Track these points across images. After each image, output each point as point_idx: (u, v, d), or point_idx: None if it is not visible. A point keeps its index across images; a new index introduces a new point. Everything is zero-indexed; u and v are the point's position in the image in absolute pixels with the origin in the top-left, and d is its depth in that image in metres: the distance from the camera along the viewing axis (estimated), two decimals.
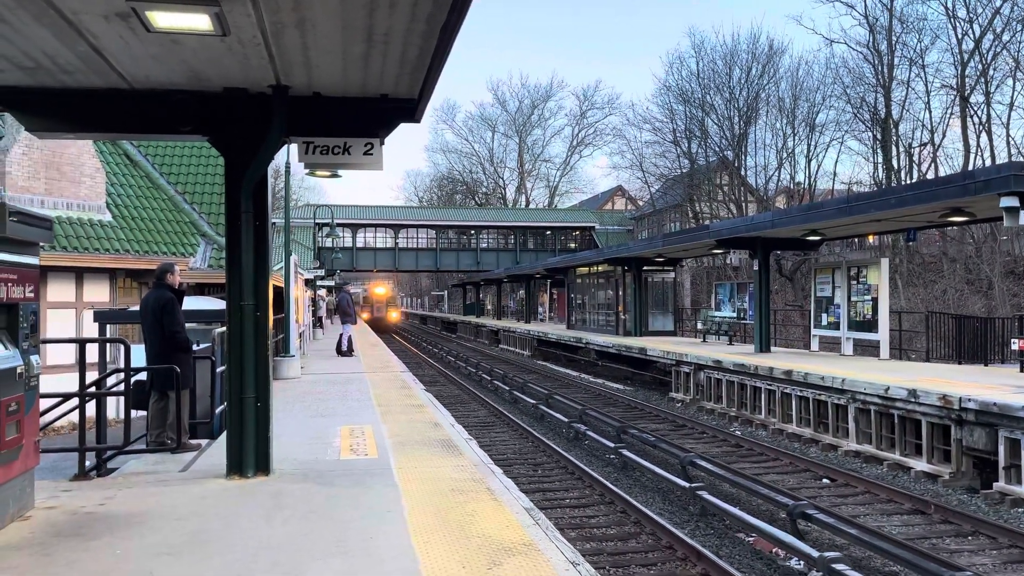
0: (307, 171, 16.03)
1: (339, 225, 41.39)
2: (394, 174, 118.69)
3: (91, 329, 16.81)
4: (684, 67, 72.32)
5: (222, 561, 4.88)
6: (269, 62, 6.24)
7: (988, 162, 35.29)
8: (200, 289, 19.93)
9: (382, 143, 7.46)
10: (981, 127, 36.60)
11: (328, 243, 43.98)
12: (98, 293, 18.70)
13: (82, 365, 7.56)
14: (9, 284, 5.59)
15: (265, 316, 7.19)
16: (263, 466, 7.18)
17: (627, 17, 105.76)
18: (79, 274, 17.96)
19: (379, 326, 58.82)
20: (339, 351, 21.98)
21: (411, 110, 7.42)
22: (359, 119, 7.34)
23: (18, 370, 5.64)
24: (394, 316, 72.29)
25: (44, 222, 6.04)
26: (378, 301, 71.73)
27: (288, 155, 18.88)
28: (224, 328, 10.67)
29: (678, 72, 70.30)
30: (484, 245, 60.11)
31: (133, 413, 8.32)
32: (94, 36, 5.62)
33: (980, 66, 36.19)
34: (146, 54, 6.02)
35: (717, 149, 49.58)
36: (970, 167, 35.31)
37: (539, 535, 5.36)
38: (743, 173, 48.60)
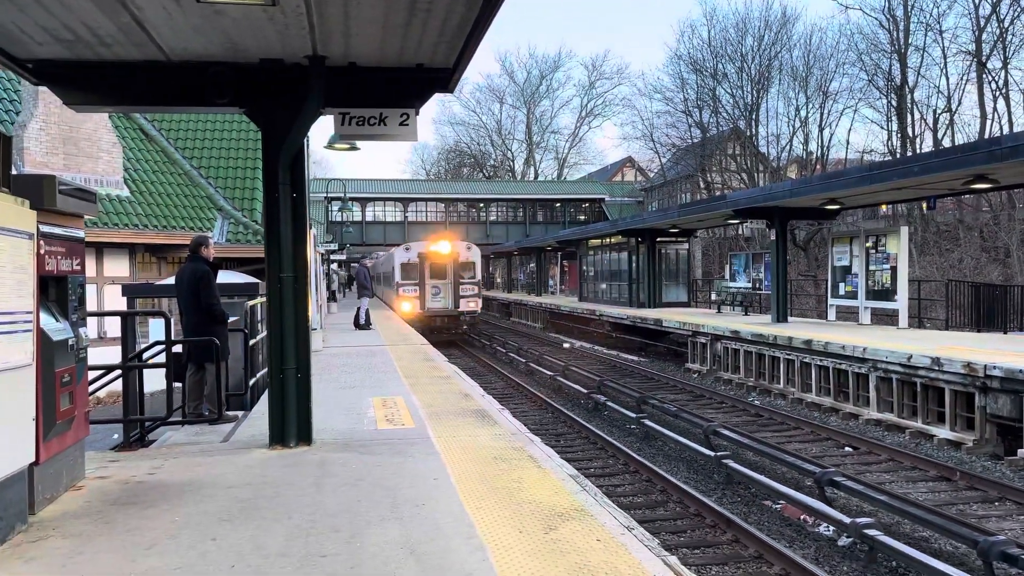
0: (325, 145, 15.91)
1: (350, 199, 41.34)
2: (401, 147, 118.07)
3: (113, 303, 16.93)
4: (696, 35, 71.62)
5: (283, 527, 4.97)
6: (308, 32, 6.22)
7: (1005, 128, 34.96)
8: (219, 263, 20.00)
9: (417, 113, 7.45)
10: (998, 92, 36.25)
11: (339, 217, 43.99)
12: (118, 268, 18.80)
13: (125, 338, 7.63)
14: (58, 257, 5.63)
15: (304, 287, 7.24)
16: (305, 436, 7.27)
17: None
18: (99, 249, 18.03)
19: (443, 335, 29.42)
20: (356, 324, 22.07)
21: (445, 80, 7.40)
22: (393, 89, 7.32)
23: (69, 342, 5.70)
24: (471, 309, 31.59)
25: (89, 195, 6.06)
26: (441, 276, 30.98)
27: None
28: (254, 301, 10.74)
29: (689, 41, 69.66)
30: (493, 218, 59.94)
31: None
32: (137, 7, 5.60)
33: (998, 31, 35.74)
34: (187, 25, 6.00)
35: (729, 119, 49.21)
36: (986, 134, 34.98)
37: (588, 501, 5.43)
38: (755, 143, 48.26)
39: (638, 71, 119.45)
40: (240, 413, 9.24)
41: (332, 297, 35.54)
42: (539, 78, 78.13)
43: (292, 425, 7.20)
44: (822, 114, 45.40)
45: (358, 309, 22.52)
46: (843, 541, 7.93)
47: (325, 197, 46.84)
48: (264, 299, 8.41)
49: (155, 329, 13.13)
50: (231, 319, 9.16)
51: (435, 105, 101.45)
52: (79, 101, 7.24)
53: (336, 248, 37.20)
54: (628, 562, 4.33)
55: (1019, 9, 34.70)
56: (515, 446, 7.15)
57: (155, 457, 7.03)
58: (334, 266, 42.66)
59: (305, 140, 7.48)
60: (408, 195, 59.31)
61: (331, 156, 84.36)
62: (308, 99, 6.86)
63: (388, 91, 7.26)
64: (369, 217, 57.62)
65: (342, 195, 35.08)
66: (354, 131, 7.32)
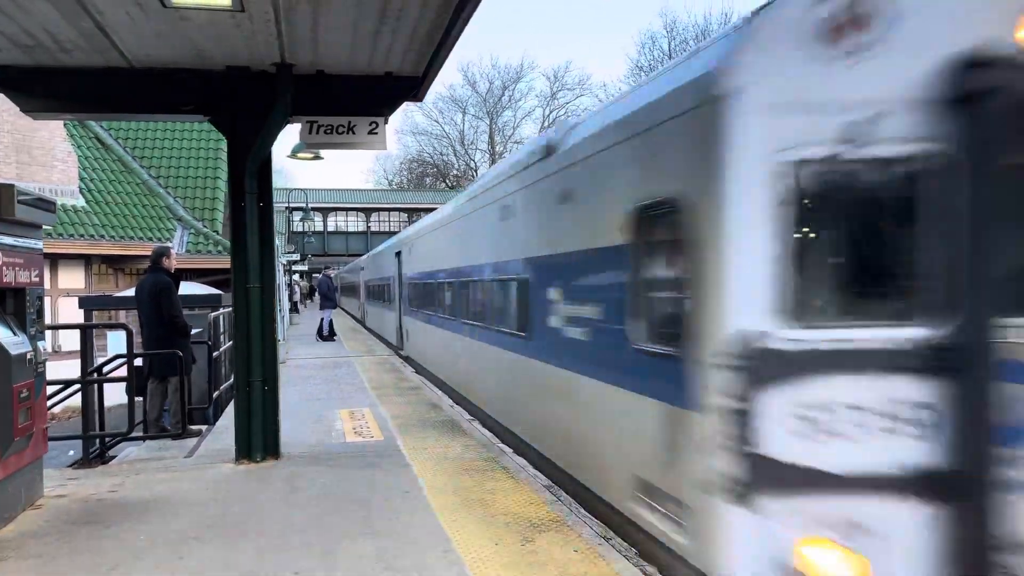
0: (289, 154, 15.73)
1: (312, 209, 40.90)
2: (363, 157, 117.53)
3: (68, 316, 16.49)
4: (656, 47, 72.30)
5: (252, 544, 4.84)
6: (276, 39, 6.13)
7: None
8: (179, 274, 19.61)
9: (386, 122, 7.39)
10: None
11: (300, 228, 43.44)
12: (73, 280, 18.33)
13: (84, 351, 7.40)
14: (16, 268, 5.45)
15: (271, 299, 7.11)
16: (272, 450, 7.13)
17: None
18: (53, 261, 17.56)
19: None
20: (320, 335, 21.80)
21: (415, 89, 7.35)
22: (362, 98, 7.25)
23: (27, 356, 5.50)
24: None
25: (49, 204, 5.89)
26: None
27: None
28: (217, 313, 10.54)
29: (650, 52, 70.04)
30: None
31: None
32: (100, 12, 5.47)
33: None
34: (151, 31, 5.87)
35: None
36: None
37: (564, 511, 5.39)
38: None
39: (600, 82, 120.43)
40: (204, 427, 9.03)
41: (294, 308, 35.09)
42: (501, 88, 78.29)
43: (259, 438, 7.05)
44: None
45: (321, 320, 22.25)
46: None
47: (286, 207, 46.25)
48: (227, 310, 8.25)
49: (114, 342, 12.81)
50: (194, 331, 8.97)
51: (398, 115, 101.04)
52: (38, 108, 7.03)
53: (298, 259, 36.74)
54: (607, 572, 4.30)
55: None
56: (487, 457, 7.09)
57: (116, 474, 6.82)
58: (296, 277, 42.13)
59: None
60: (371, 205, 59.03)
61: (293, 165, 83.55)
62: (275, 107, 6.75)
63: (357, 99, 7.19)
64: (331, 227, 57.19)
65: (304, 205, 34.64)
66: (322, 140, 7.23)
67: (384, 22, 5.83)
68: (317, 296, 25.50)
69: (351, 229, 58.01)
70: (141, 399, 8.39)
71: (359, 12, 5.61)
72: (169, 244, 16.93)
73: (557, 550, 4.65)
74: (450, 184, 77.08)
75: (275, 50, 6.40)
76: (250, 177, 6.93)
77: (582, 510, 5.50)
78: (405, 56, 6.67)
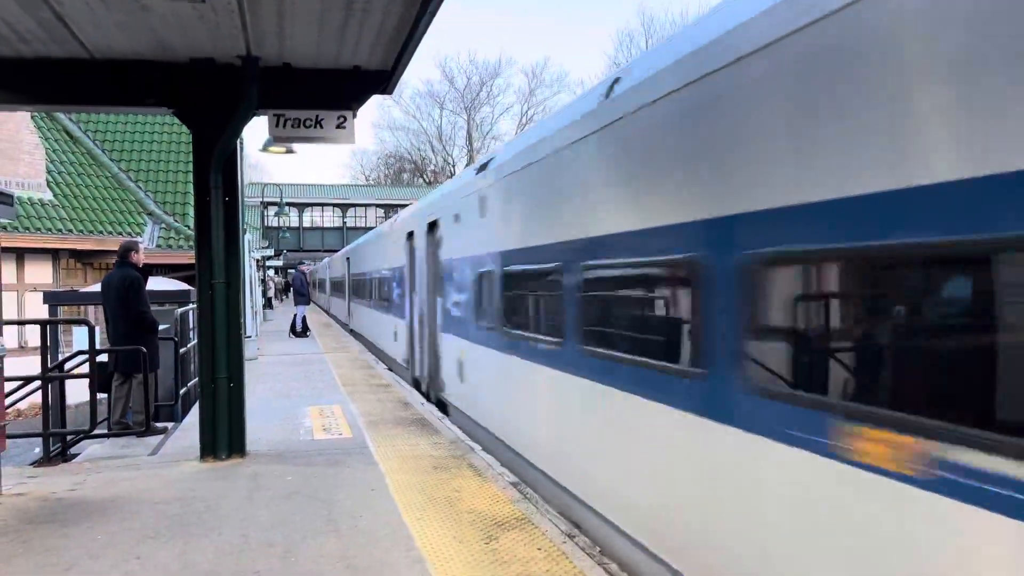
0: (261, 148, 15.58)
1: (287, 204, 40.56)
2: (340, 152, 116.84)
3: (35, 312, 16.20)
4: (633, 45, 72.56)
5: (212, 543, 4.77)
6: (241, 31, 6.03)
7: None
8: (148, 269, 19.34)
9: (354, 115, 7.31)
10: None
11: (275, 223, 43.11)
12: (41, 275, 18.01)
13: (45, 347, 7.27)
14: None
15: (237, 295, 7.02)
16: (238, 448, 7.04)
17: None
18: (20, 255, 17.26)
19: None
20: (293, 331, 21.63)
21: (384, 82, 7.28)
22: (330, 91, 7.16)
23: None
24: None
25: (6, 198, 5.76)
26: None
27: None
28: (184, 309, 10.41)
29: (628, 50, 70.48)
30: None
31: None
32: (58, 2, 5.35)
33: None
34: (111, 21, 5.76)
35: None
36: None
37: (530, 509, 5.37)
38: None
39: (578, 79, 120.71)
40: (169, 425, 8.92)
41: (268, 304, 34.82)
42: (479, 84, 78.17)
43: (224, 436, 6.96)
44: None
45: (295, 316, 22.07)
46: None
47: (261, 202, 45.88)
48: (195, 306, 8.13)
49: (81, 338, 12.60)
50: (161, 327, 8.84)
51: (375, 110, 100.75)
52: None
53: (272, 254, 36.46)
54: (570, 571, 4.29)
55: None
56: (455, 455, 7.05)
57: (77, 472, 6.71)
58: (270, 272, 41.79)
59: (239, 142, 7.26)
60: (347, 200, 58.65)
61: (268, 160, 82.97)
62: (241, 100, 6.66)
63: (325, 93, 7.10)
64: (307, 223, 56.77)
65: (278, 200, 34.34)
66: (289, 133, 7.14)
67: (352, 14, 5.76)
68: (292, 292, 25.31)
69: (327, 225, 57.63)
70: (105, 396, 8.26)
71: (325, 4, 5.54)
72: (138, 239, 16.73)
73: (521, 548, 4.63)
74: (427, 180, 76.82)
75: (240, 42, 6.30)
76: (215, 172, 6.84)
77: (548, 508, 5.48)
78: (373, 50, 6.60)
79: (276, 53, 6.60)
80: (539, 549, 4.61)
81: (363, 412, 9.33)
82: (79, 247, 18.37)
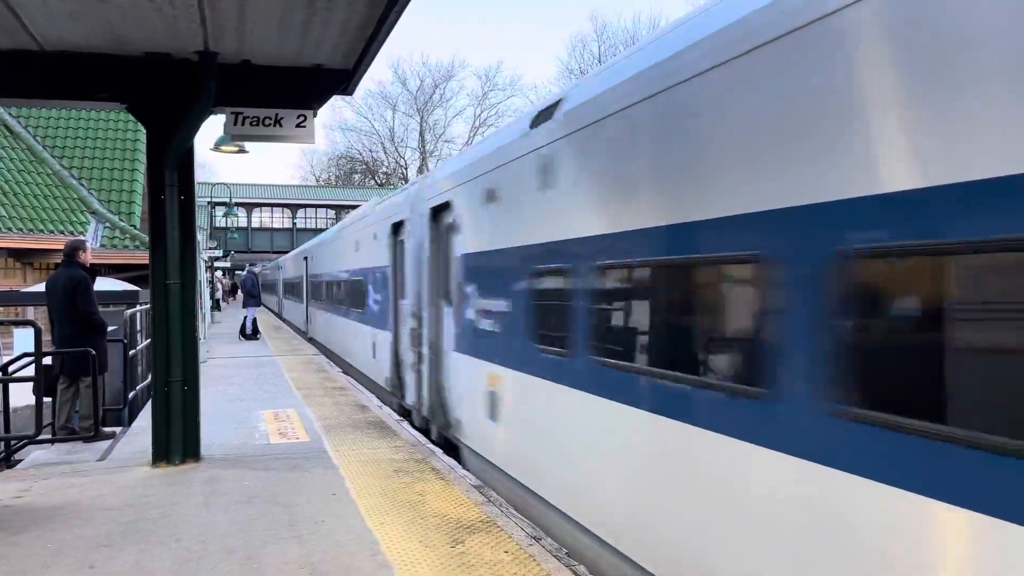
0: (212, 147, 15.32)
1: (236, 204, 39.78)
2: (290, 152, 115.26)
3: None
4: (586, 50, 73.13)
5: (170, 551, 4.64)
6: (200, 26, 5.90)
7: None
8: (95, 270, 18.76)
9: (315, 115, 7.22)
10: None
11: (223, 223, 42.22)
12: None
13: None
14: None
15: (192, 295, 6.85)
16: (192, 452, 6.87)
17: None
18: None
19: None
20: (243, 334, 21.22)
21: (345, 82, 7.20)
22: (290, 90, 7.06)
23: None
24: None
25: None
26: None
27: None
28: (134, 310, 10.13)
29: (580, 55, 70.98)
30: None
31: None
32: None
33: None
34: (64, 12, 5.58)
35: None
36: None
37: (495, 512, 5.34)
38: None
39: (531, 83, 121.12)
40: (118, 429, 8.66)
41: (216, 306, 34.10)
42: (432, 87, 77.87)
43: (178, 440, 6.79)
44: None
45: (244, 318, 21.66)
46: None
47: (209, 201, 44.92)
48: (145, 307, 7.92)
49: (20, 340, 12.14)
50: (110, 329, 8.58)
51: (326, 110, 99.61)
52: None
53: (220, 255, 35.72)
54: (537, 573, 4.28)
55: None
56: (416, 458, 6.99)
57: (23, 479, 6.46)
58: (218, 274, 40.95)
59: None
60: (297, 201, 57.86)
61: (215, 159, 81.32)
62: (198, 97, 6.50)
63: (285, 92, 7.00)
64: (255, 223, 55.83)
65: (227, 200, 33.65)
66: (248, 132, 7.01)
67: (315, 12, 5.68)
68: (240, 293, 24.83)
69: (276, 226, 56.74)
70: (50, 400, 7.97)
71: (288, 1, 5.45)
72: (83, 237, 16.21)
73: (488, 551, 4.60)
74: (379, 181, 76.20)
75: (199, 38, 6.17)
76: (171, 169, 6.67)
77: (512, 511, 5.47)
78: (336, 48, 6.52)
79: (235, 49, 6.47)
80: (506, 552, 4.59)
81: (319, 416, 9.19)
82: (18, 246, 17.71)
